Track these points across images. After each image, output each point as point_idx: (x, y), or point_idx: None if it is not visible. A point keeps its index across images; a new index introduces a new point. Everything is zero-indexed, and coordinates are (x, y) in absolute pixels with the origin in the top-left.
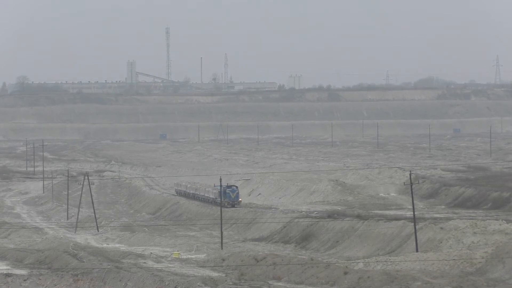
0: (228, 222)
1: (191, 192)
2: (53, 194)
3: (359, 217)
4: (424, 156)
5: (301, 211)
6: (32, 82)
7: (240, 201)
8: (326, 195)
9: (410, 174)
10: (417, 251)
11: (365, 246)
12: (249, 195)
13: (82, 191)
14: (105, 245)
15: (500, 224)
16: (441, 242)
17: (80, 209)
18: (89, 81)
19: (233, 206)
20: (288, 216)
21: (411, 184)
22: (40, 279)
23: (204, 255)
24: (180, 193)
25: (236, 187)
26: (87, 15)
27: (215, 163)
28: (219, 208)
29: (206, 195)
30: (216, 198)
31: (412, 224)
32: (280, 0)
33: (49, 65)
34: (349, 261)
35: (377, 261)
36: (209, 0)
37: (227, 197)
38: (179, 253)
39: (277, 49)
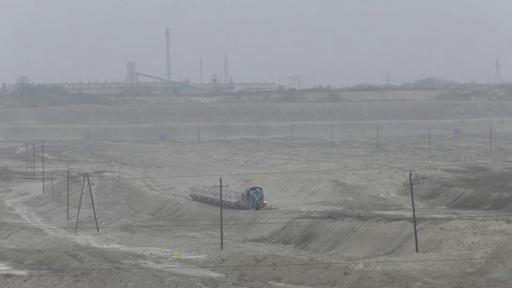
0: (228, 222)
1: (209, 196)
2: (53, 195)
3: (359, 217)
4: (424, 156)
5: (301, 212)
6: (32, 82)
7: (265, 203)
8: (326, 196)
9: (410, 175)
10: (417, 251)
11: (365, 247)
12: None
13: (82, 191)
14: (105, 246)
15: (500, 225)
16: (441, 243)
17: (80, 209)
18: (89, 82)
19: (257, 208)
20: (288, 217)
21: (411, 184)
22: (40, 279)
23: (204, 255)
24: (196, 198)
25: (260, 188)
26: (87, 16)
27: (215, 163)
28: (242, 212)
29: (227, 199)
30: (239, 201)
31: (412, 224)
32: (280, 0)
33: (49, 65)
34: (349, 262)
35: (377, 262)
36: (209, 1)
37: (251, 200)
38: (179, 254)
39: (277, 49)
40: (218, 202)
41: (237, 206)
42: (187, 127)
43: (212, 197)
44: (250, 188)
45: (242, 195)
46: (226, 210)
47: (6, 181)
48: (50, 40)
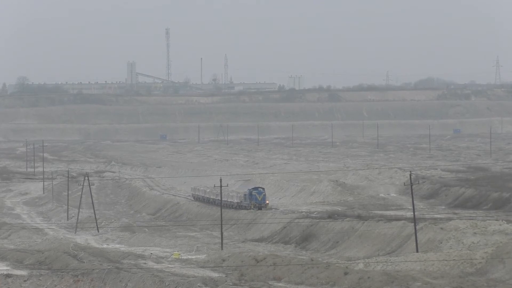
0: (228, 222)
1: (211, 197)
2: (53, 195)
3: (359, 217)
4: (424, 156)
5: (301, 212)
6: (32, 82)
7: (268, 203)
8: (326, 196)
9: (410, 175)
10: (417, 251)
11: (365, 247)
12: None
13: (82, 191)
14: (105, 246)
15: (500, 225)
16: (441, 243)
17: (80, 209)
18: (89, 82)
19: (260, 208)
20: (288, 217)
21: (411, 184)
22: (40, 279)
23: (204, 255)
24: (198, 199)
25: (263, 188)
26: (87, 16)
27: (215, 163)
28: (242, 212)
29: (229, 200)
30: (241, 202)
31: (412, 224)
32: (280, 0)
33: (49, 65)
34: (349, 262)
35: (377, 262)
36: (209, 1)
37: (254, 200)
38: (179, 254)
39: (277, 49)
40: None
41: (239, 206)
42: (187, 127)
43: (214, 197)
44: (253, 188)
45: (245, 195)
46: (227, 210)
47: (6, 181)
48: (50, 40)
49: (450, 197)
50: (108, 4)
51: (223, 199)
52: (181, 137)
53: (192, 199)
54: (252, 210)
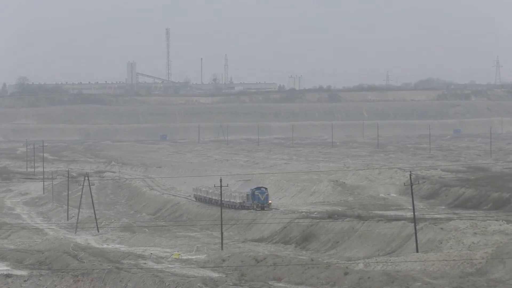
0: (228, 222)
1: (213, 197)
2: (53, 195)
3: (359, 217)
4: (424, 156)
5: (302, 212)
6: (32, 83)
7: (270, 203)
8: (327, 196)
9: (410, 175)
10: (417, 251)
11: (366, 247)
12: None
13: (82, 191)
14: (105, 246)
15: (500, 225)
16: (441, 243)
17: (80, 209)
18: (89, 82)
19: (262, 209)
20: (288, 217)
21: (411, 184)
22: (40, 279)
23: (205, 255)
24: (199, 199)
25: (266, 188)
26: (87, 16)
27: (216, 163)
28: (243, 212)
29: (232, 200)
30: (243, 202)
31: (412, 224)
32: (280, 0)
33: (49, 65)
34: (349, 262)
35: (377, 262)
36: (209, 1)
37: (256, 200)
38: (179, 254)
39: (277, 49)
40: (223, 203)
41: (241, 207)
42: (187, 127)
43: (216, 198)
44: (255, 188)
45: (247, 195)
46: (228, 210)
47: (6, 181)
48: (50, 40)
49: (450, 197)
50: (108, 4)
51: (225, 199)
52: (181, 137)
53: (194, 199)
54: (254, 210)
